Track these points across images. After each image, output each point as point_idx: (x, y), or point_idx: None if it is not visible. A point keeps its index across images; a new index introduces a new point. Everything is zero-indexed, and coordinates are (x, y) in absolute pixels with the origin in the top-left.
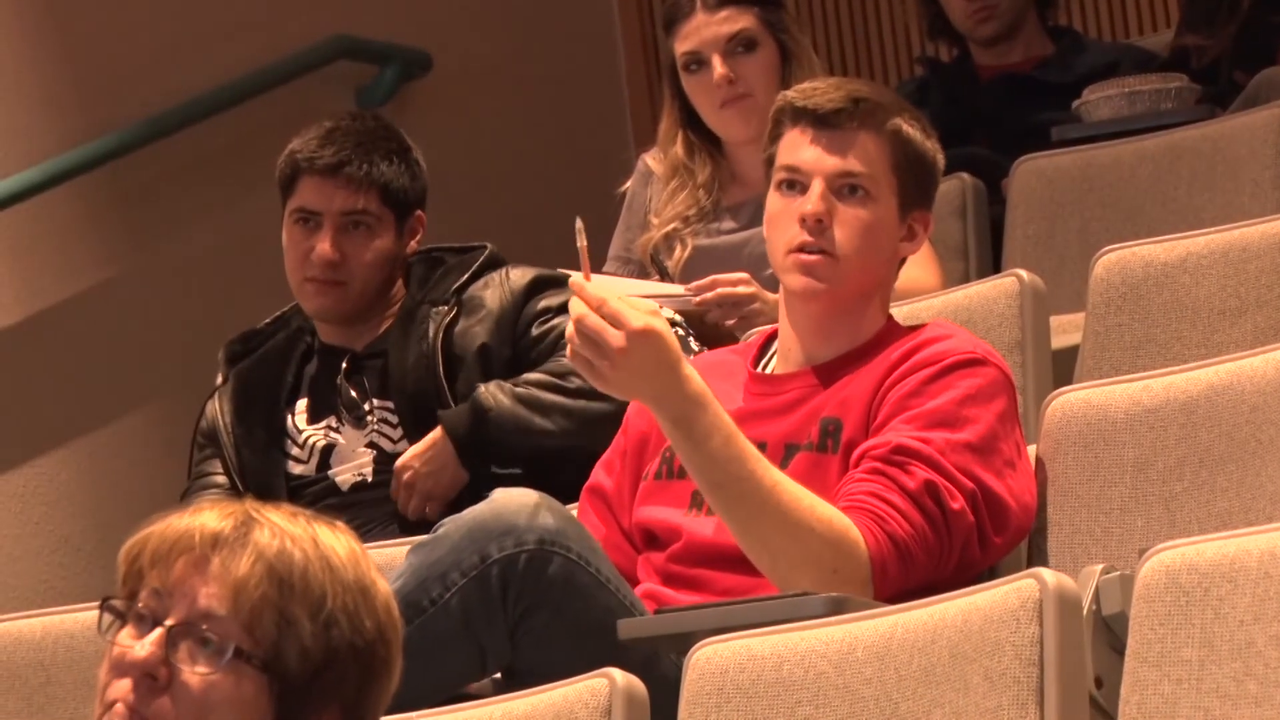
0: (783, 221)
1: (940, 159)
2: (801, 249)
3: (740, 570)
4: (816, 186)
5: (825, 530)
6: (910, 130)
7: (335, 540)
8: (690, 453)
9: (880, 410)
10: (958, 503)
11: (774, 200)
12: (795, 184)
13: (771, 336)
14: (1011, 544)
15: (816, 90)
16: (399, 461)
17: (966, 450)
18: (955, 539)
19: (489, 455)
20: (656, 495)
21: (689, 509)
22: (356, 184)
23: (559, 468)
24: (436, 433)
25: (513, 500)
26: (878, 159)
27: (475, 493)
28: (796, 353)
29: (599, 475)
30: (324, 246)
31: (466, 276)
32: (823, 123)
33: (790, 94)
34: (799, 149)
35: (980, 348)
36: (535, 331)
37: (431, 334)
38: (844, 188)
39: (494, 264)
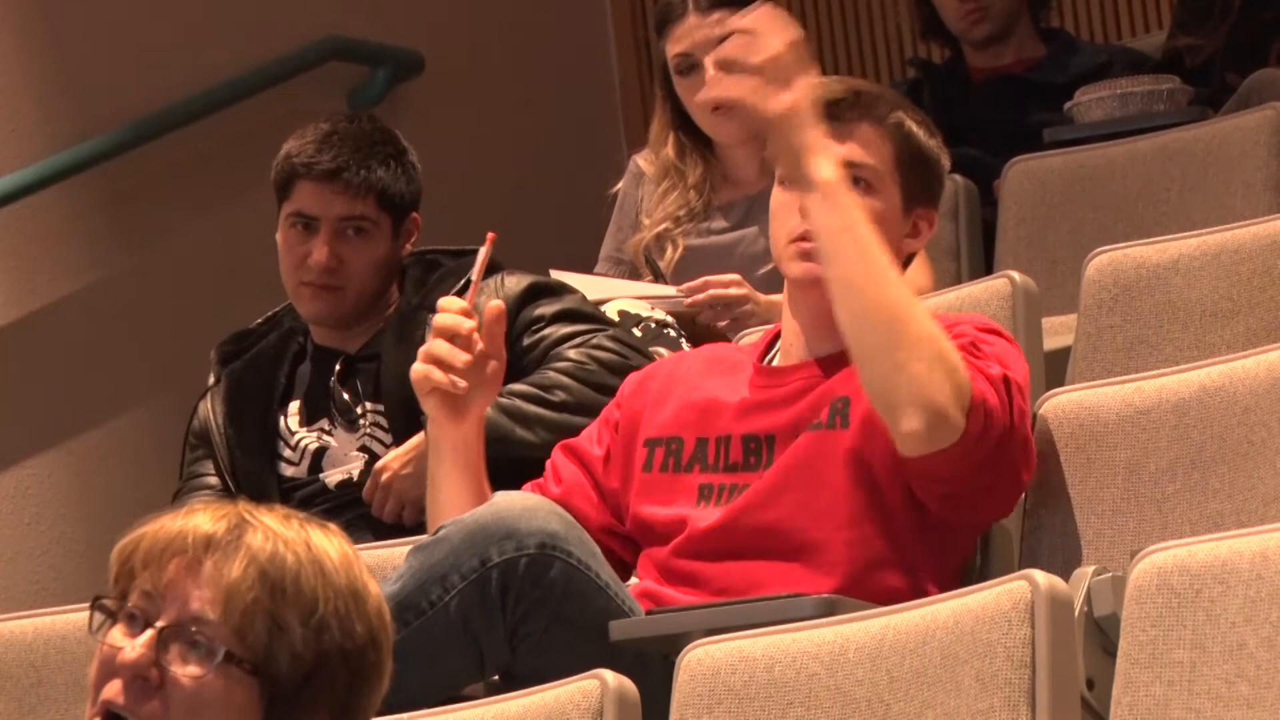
0: (785, 213)
1: (945, 158)
2: (803, 238)
3: (739, 559)
4: None
5: (953, 348)
6: (913, 126)
7: (328, 544)
8: (846, 211)
9: None
10: (1018, 414)
11: (777, 194)
12: None
13: (778, 334)
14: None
15: (819, 84)
16: (379, 463)
17: (1005, 382)
18: (1017, 436)
19: None
20: (658, 490)
21: (698, 503)
22: (354, 189)
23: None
24: (419, 437)
25: (514, 504)
26: (880, 151)
27: None
28: (799, 346)
29: (578, 439)
30: (320, 252)
31: (463, 283)
32: (824, 114)
33: None
34: None
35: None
36: (526, 341)
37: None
38: (846, 179)
39: (490, 269)
